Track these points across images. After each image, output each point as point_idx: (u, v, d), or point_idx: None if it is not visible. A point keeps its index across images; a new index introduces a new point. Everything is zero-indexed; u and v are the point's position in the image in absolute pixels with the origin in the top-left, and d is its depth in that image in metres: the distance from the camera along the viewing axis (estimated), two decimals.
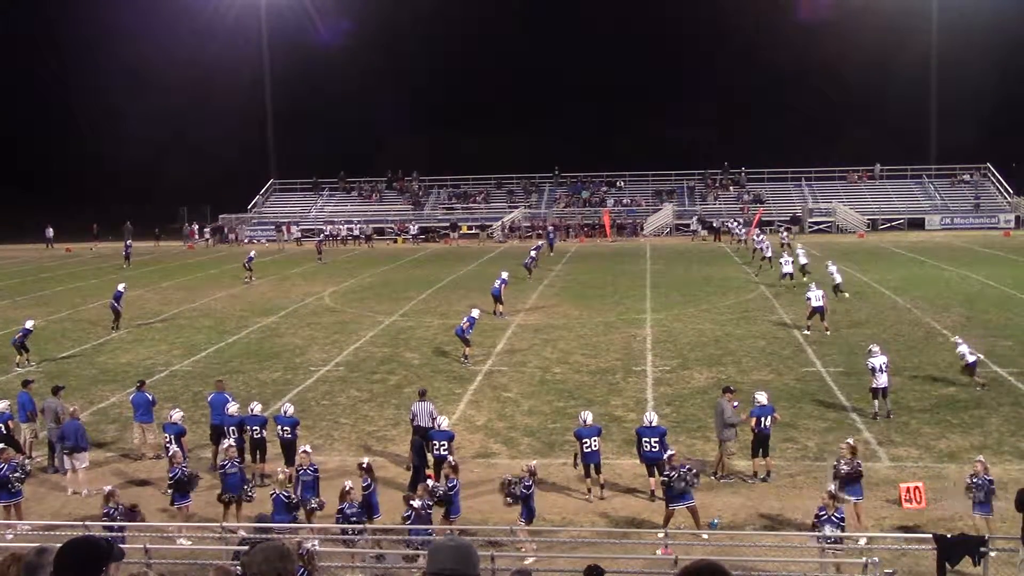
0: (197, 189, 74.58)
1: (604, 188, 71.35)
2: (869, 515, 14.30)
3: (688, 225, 63.78)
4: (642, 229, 63.51)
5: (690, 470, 13.93)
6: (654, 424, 15.72)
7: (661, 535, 13.44)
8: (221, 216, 72.29)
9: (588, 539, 13.75)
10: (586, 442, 15.63)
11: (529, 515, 13.76)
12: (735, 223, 57.60)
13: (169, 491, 14.68)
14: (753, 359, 24.65)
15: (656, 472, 15.18)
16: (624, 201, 68.70)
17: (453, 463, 14.53)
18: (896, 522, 14.24)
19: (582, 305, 34.21)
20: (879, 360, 19.10)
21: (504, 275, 32.89)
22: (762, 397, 16.51)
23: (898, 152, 68.28)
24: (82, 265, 53.14)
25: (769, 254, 41.56)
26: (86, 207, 77.75)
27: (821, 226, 62.02)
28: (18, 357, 25.59)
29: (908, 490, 14.77)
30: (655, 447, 15.40)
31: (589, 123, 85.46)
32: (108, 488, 13.62)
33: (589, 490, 15.68)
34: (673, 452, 14.47)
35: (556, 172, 73.15)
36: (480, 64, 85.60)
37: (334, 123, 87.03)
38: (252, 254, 43.99)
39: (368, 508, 13.58)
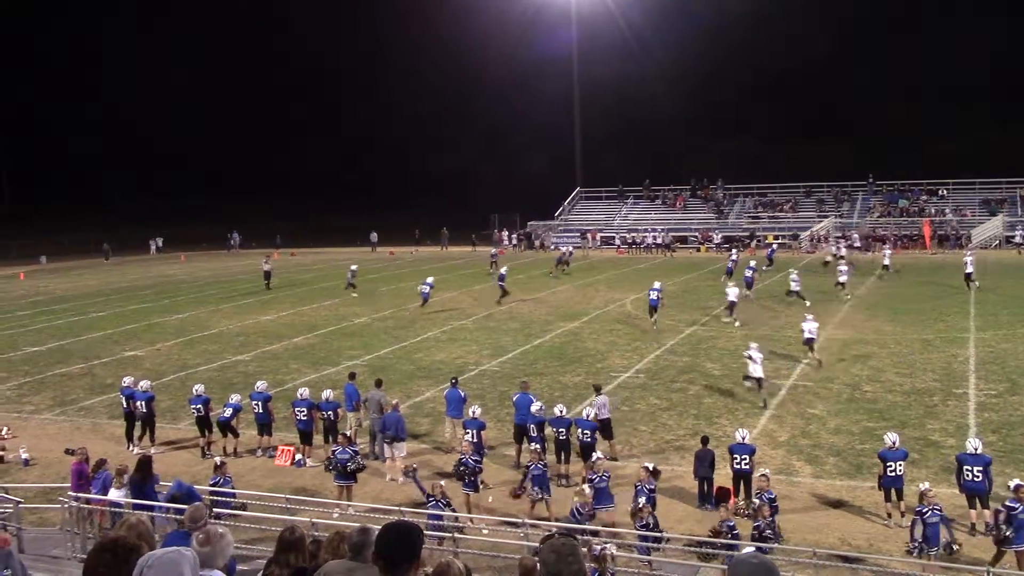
0: (508, 197, 78.07)
1: (924, 197, 66.50)
2: None
3: (1011, 238, 58.06)
4: (968, 240, 58.56)
5: None
6: (979, 452, 14.45)
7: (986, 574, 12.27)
8: (530, 223, 75.12)
9: (898, 570, 12.85)
10: (890, 465, 14.66)
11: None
12: None
13: (459, 479, 15.58)
14: None
15: (978, 504, 13.99)
16: (946, 211, 63.69)
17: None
18: None
19: (896, 320, 32.17)
20: None
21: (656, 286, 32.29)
22: None
23: None
24: (403, 267, 57.21)
25: None
26: (406, 213, 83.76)
27: None
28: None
29: None
30: (978, 477, 14.15)
31: (903, 126, 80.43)
32: (219, 459, 15.75)
33: (889, 515, 14.69)
34: (1022, 483, 12.98)
35: (871, 180, 69.19)
36: (787, 66, 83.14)
37: (641, 134, 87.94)
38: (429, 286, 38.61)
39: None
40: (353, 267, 45.33)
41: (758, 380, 21.80)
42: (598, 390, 19.28)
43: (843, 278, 38.57)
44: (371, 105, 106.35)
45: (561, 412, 17.32)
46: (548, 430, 17.44)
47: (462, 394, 19.19)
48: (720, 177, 74.18)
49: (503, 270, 41.66)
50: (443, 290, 43.37)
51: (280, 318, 37.35)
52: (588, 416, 17.30)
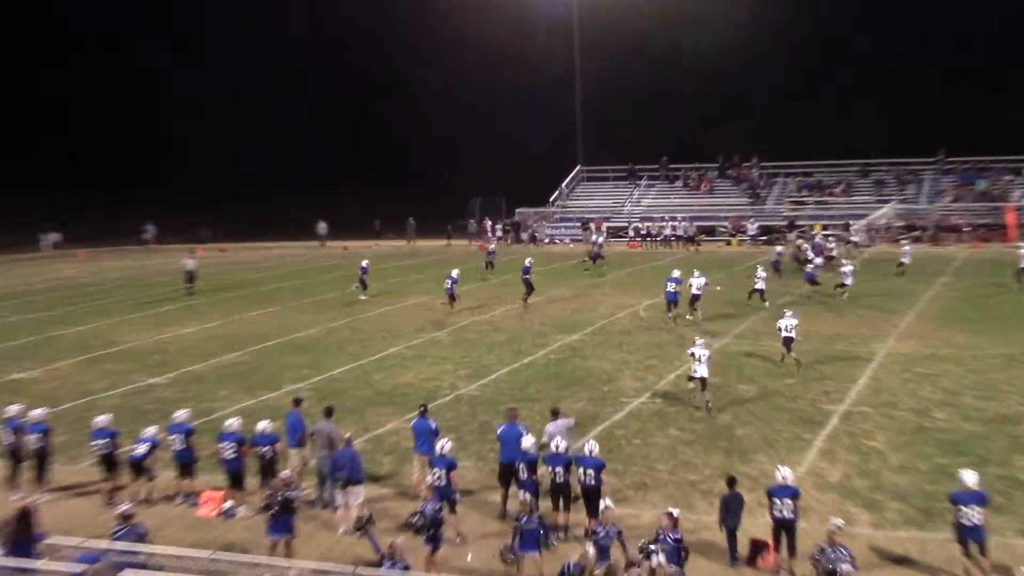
0: (490, 178, 77.99)
1: (1007, 177, 66.75)
2: None
3: None
4: None
5: None
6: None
7: None
8: (518, 211, 75.06)
9: None
10: (965, 511, 14.55)
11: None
12: None
13: (416, 532, 15.41)
14: None
15: None
16: None
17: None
18: None
19: (972, 331, 32.21)
20: None
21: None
22: None
23: None
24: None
25: None
26: (368, 199, 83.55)
27: None
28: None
29: None
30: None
31: (980, 90, 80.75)
32: (126, 507, 15.28)
33: (967, 573, 14.60)
34: None
35: (941, 155, 69.39)
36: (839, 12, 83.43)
37: (657, 98, 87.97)
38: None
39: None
40: (364, 263, 45.11)
41: (702, 380, 23.46)
42: (555, 414, 19.20)
43: (848, 280, 39.90)
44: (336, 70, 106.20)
45: (558, 448, 17.16)
46: (542, 470, 17.29)
47: (433, 425, 19.01)
48: (755, 152, 74.35)
49: (528, 262, 42.24)
50: (411, 292, 43.24)
51: (207, 330, 37.17)
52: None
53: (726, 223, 66.86)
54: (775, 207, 69.14)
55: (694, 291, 35.57)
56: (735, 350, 30.37)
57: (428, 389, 26.57)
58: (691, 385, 24.16)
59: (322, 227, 74.01)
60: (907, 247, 47.39)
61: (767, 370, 27.55)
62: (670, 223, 66.00)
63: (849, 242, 53.51)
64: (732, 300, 39.32)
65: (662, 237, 65.12)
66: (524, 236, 71.25)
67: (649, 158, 77.04)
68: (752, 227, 64.49)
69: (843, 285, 39.51)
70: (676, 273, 36.06)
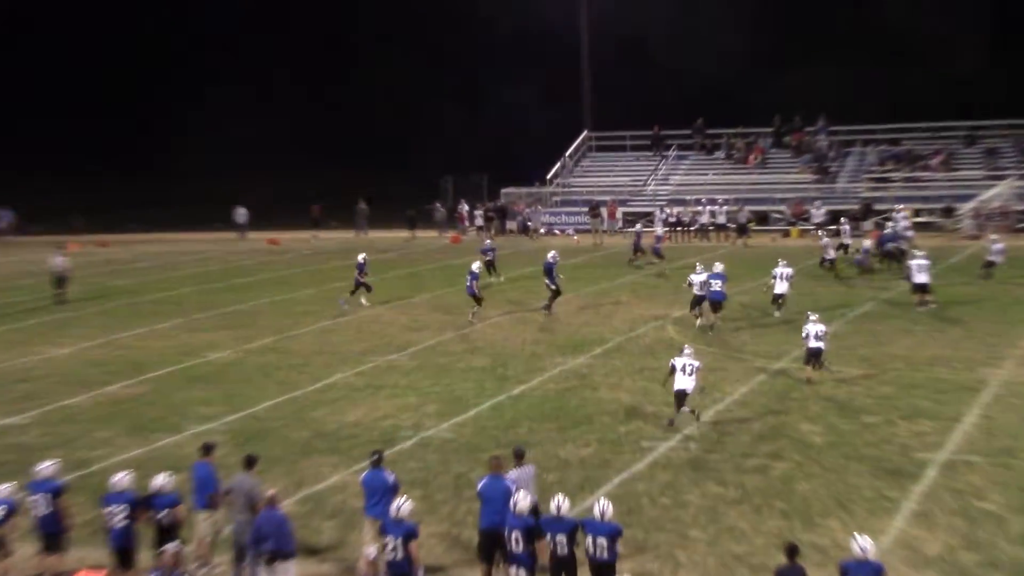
0: (468, 150, 77.96)
1: None
2: None
3: None
4: None
5: None
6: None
7: None
8: (504, 192, 75.01)
9: None
10: None
11: None
12: None
13: None
14: None
15: None
16: None
17: None
18: None
19: None
20: None
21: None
22: None
23: None
24: (292, 266, 56.98)
25: None
26: (297, 172, 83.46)
27: None
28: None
29: None
30: None
31: None
32: None
33: None
34: None
35: None
36: None
37: (690, 44, 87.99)
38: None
39: None
40: (361, 256, 44.86)
41: (680, 395, 25.75)
42: (520, 457, 19.17)
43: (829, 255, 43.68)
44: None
45: (559, 508, 17.09)
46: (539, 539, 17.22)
47: (390, 479, 18.93)
48: (821, 112, 74.14)
49: (552, 257, 42.14)
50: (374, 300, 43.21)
51: (84, 351, 37.12)
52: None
53: (783, 208, 66.85)
54: (849, 186, 69.18)
55: (780, 287, 38.29)
56: (797, 378, 30.36)
57: (384, 430, 26.53)
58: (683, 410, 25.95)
59: (241, 214, 73.86)
60: (997, 243, 46.91)
61: (839, 405, 27.55)
62: (708, 207, 66.03)
63: (841, 246, 52.53)
64: (789, 309, 39.34)
65: (697, 226, 64.98)
66: (512, 225, 71.09)
67: (680, 120, 76.97)
68: (819, 212, 64.18)
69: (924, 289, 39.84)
70: (719, 267, 36.97)
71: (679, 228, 65.28)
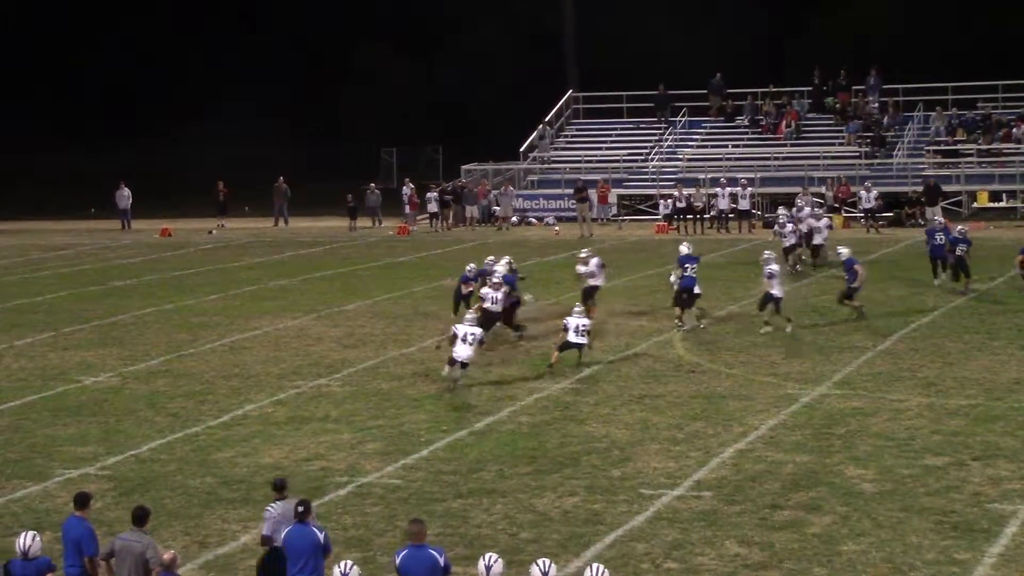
0: (416, 116, 78.11)
1: None
2: None
3: None
4: None
5: None
6: None
7: None
8: (465, 168, 75.15)
9: None
10: None
11: None
12: None
13: None
14: None
15: None
16: None
17: None
18: None
19: None
20: None
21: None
22: None
23: None
24: (191, 265, 57.06)
25: None
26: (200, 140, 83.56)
27: None
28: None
29: None
30: None
31: None
32: None
33: None
34: None
35: None
36: None
37: None
38: None
39: None
40: (504, 262, 43.51)
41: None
42: (281, 488, 19.38)
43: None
44: None
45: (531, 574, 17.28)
46: None
47: (319, 537, 19.08)
48: (873, 66, 74.06)
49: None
50: (278, 310, 43.31)
51: None
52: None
53: (824, 189, 66.91)
54: (909, 161, 69.33)
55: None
56: (839, 407, 30.60)
57: (310, 475, 26.64)
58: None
59: (124, 196, 73.50)
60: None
61: (896, 443, 27.69)
62: (728, 189, 65.95)
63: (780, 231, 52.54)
64: (833, 322, 39.62)
65: (714, 212, 64.98)
66: (472, 212, 71.05)
67: (691, 79, 76.98)
68: (870, 196, 64.08)
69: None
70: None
71: (689, 216, 65.15)
